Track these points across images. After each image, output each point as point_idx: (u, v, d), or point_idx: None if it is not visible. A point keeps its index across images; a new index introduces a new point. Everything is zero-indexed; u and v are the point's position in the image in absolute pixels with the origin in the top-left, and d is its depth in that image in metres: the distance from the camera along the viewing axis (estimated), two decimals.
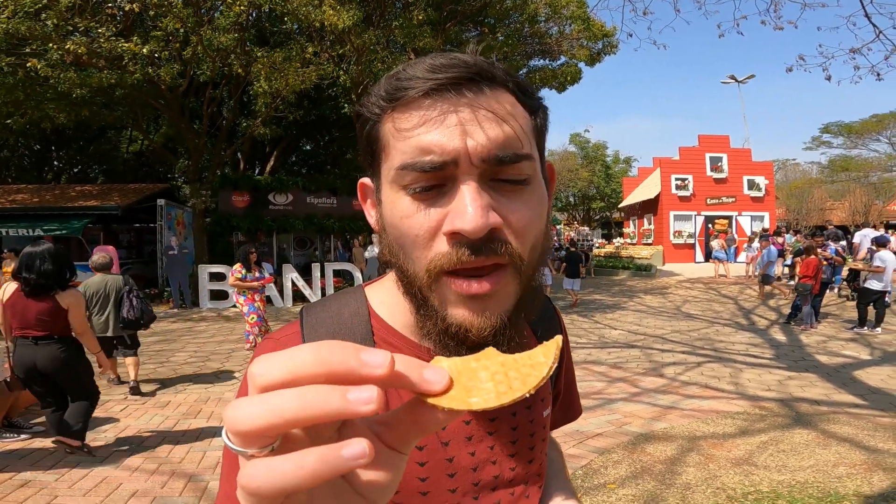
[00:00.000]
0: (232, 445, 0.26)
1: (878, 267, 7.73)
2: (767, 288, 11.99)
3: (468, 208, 0.45)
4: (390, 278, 0.60)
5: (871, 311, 7.82)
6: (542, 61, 14.29)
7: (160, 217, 12.70)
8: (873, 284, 7.73)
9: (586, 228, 33.08)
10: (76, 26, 8.94)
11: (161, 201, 12.82)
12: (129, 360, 5.12)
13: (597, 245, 23.40)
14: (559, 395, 0.77)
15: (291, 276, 11.75)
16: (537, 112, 0.53)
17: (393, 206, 0.50)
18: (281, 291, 11.84)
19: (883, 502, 2.84)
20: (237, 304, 7.57)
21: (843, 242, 13.46)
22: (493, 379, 0.30)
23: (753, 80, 25.80)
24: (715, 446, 3.69)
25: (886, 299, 7.87)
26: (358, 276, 12.10)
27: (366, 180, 0.58)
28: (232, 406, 0.26)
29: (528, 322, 0.67)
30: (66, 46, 8.43)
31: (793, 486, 3.04)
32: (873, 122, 26.01)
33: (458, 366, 0.30)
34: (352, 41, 9.91)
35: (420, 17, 10.14)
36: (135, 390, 5.11)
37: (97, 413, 4.24)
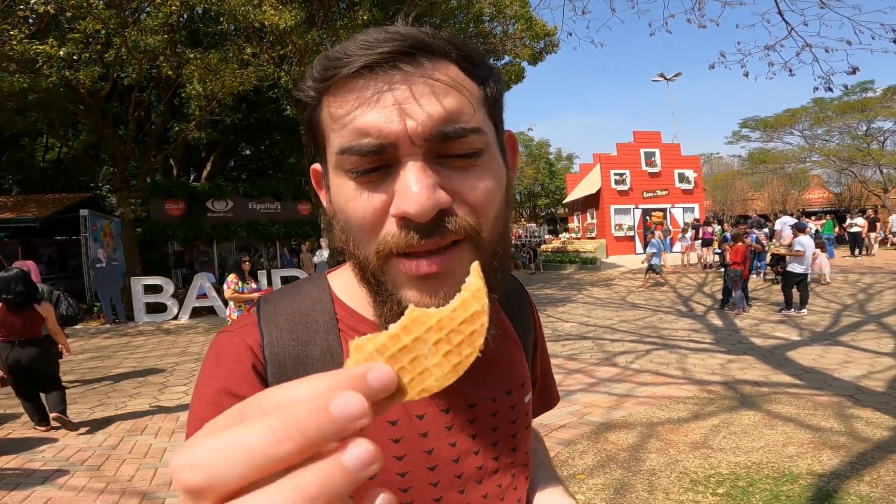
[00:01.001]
0: None
1: (799, 251, 8.40)
2: (654, 277, 12.85)
3: (412, 188, 0.43)
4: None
5: (796, 294, 8.48)
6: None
7: (84, 228, 11.82)
8: (795, 268, 8.38)
9: (533, 225, 33.93)
10: None
11: (84, 212, 11.94)
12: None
13: (544, 241, 24.02)
14: (536, 380, 0.75)
15: None
16: (487, 81, 0.50)
17: (339, 191, 0.48)
18: (225, 301, 11.31)
19: (836, 479, 3.03)
20: (230, 320, 7.00)
21: (766, 230, 14.54)
22: (437, 349, 0.27)
23: (680, 77, 27.31)
24: (672, 431, 3.86)
25: (808, 281, 8.56)
26: None
27: (316, 166, 0.56)
28: None
29: (498, 301, 0.64)
30: None
31: (749, 468, 3.22)
32: (786, 117, 28.15)
33: (392, 347, 0.26)
34: (294, 41, 9.60)
35: (365, 18, 10.00)
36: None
37: (32, 434, 4.43)
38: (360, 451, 0.20)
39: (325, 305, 0.57)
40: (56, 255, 15.46)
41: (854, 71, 4.75)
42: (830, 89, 4.91)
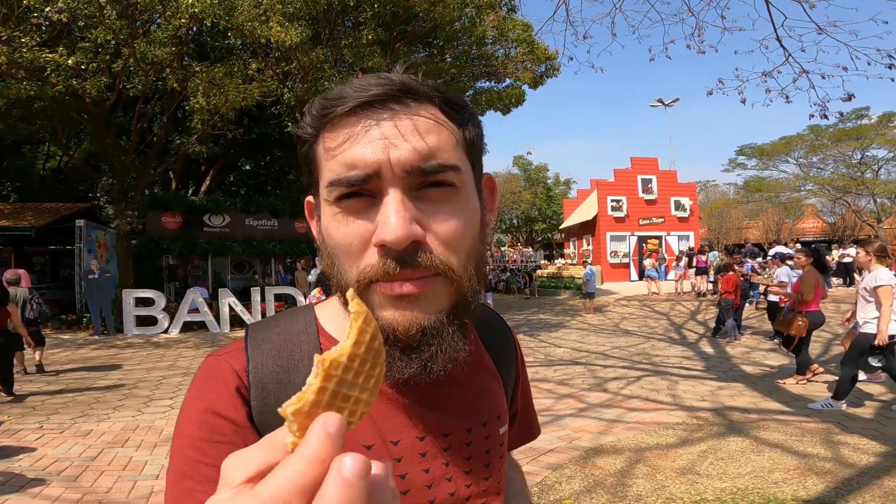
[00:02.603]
0: None
1: (783, 282, 8.52)
2: (590, 302, 13.89)
3: (391, 219, 0.47)
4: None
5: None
6: (488, 83, 14.73)
7: (79, 239, 11.79)
8: (774, 297, 8.45)
9: (529, 250, 34.01)
10: None
11: (80, 222, 11.94)
12: (38, 351, 7.03)
13: (540, 266, 24.07)
14: (516, 415, 0.78)
15: (228, 300, 11.22)
16: (466, 125, 0.54)
17: (328, 220, 0.52)
18: (217, 316, 11.26)
19: None
20: None
21: (760, 259, 14.64)
22: (357, 382, 0.30)
23: (678, 103, 27.69)
24: (660, 457, 3.83)
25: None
26: (301, 300, 11.71)
27: (310, 198, 0.60)
28: None
29: (480, 338, 0.68)
30: None
31: (735, 493, 3.20)
32: (782, 144, 28.43)
33: (323, 398, 0.29)
34: (298, 59, 9.77)
35: (370, 37, 10.18)
36: (39, 368, 7.12)
37: (9, 442, 4.39)
38: (352, 461, 0.25)
39: (310, 335, 0.59)
40: (48, 265, 15.37)
41: (850, 98, 4.82)
42: (826, 116, 4.98)
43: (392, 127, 0.49)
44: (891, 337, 4.57)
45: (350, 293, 0.33)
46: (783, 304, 5.98)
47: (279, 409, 0.28)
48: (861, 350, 4.71)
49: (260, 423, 0.53)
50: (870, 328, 4.62)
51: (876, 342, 4.55)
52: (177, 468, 0.51)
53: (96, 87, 9.40)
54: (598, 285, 19.36)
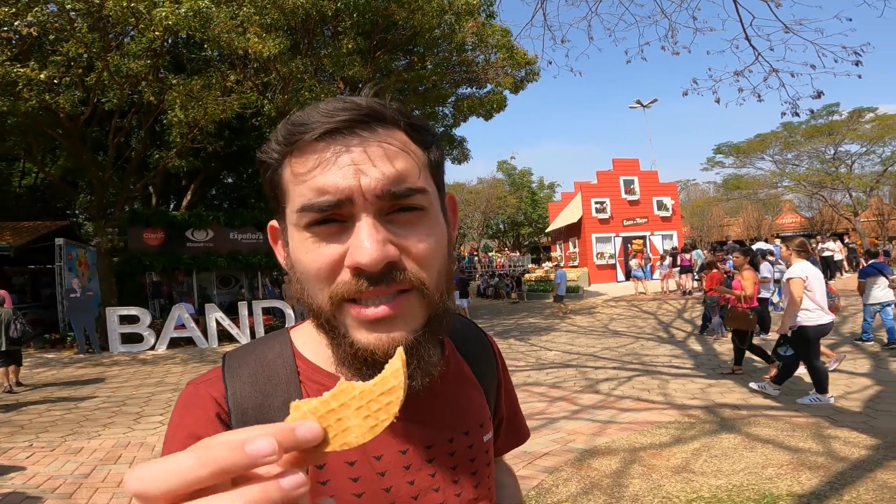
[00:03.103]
0: None
1: (766, 277, 8.69)
2: (564, 305, 14.25)
3: (364, 243, 0.48)
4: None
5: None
6: (469, 89, 14.80)
7: (59, 258, 11.53)
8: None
9: (517, 254, 34.12)
10: None
11: (60, 241, 11.67)
12: (13, 368, 7.19)
13: (528, 270, 24.14)
14: (502, 421, 0.78)
15: (215, 315, 11.05)
16: (430, 147, 0.56)
17: (297, 245, 0.53)
18: (205, 332, 11.08)
19: (815, 500, 3.04)
20: None
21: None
22: (358, 413, 0.34)
23: (657, 104, 28.05)
24: (654, 456, 3.83)
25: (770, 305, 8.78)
26: (290, 312, 11.58)
27: (274, 223, 0.61)
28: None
29: (457, 348, 0.70)
30: None
31: (731, 490, 3.20)
32: (757, 142, 29.02)
33: (322, 409, 0.34)
34: (278, 69, 9.70)
35: (349, 46, 10.16)
36: (18, 383, 7.31)
37: (1, 461, 4.36)
38: (294, 477, 0.29)
39: (286, 359, 0.61)
40: (29, 284, 15.04)
41: (819, 95, 4.92)
42: (797, 113, 5.07)
43: (362, 153, 0.50)
44: (804, 328, 4.74)
45: (399, 352, 0.37)
46: (731, 304, 6.30)
47: (291, 403, 0.34)
48: (805, 342, 4.84)
49: None
50: (802, 319, 4.80)
51: (778, 332, 4.82)
52: None
53: (70, 102, 9.23)
54: (586, 287, 19.49)
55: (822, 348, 5.43)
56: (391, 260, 0.49)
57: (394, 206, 0.51)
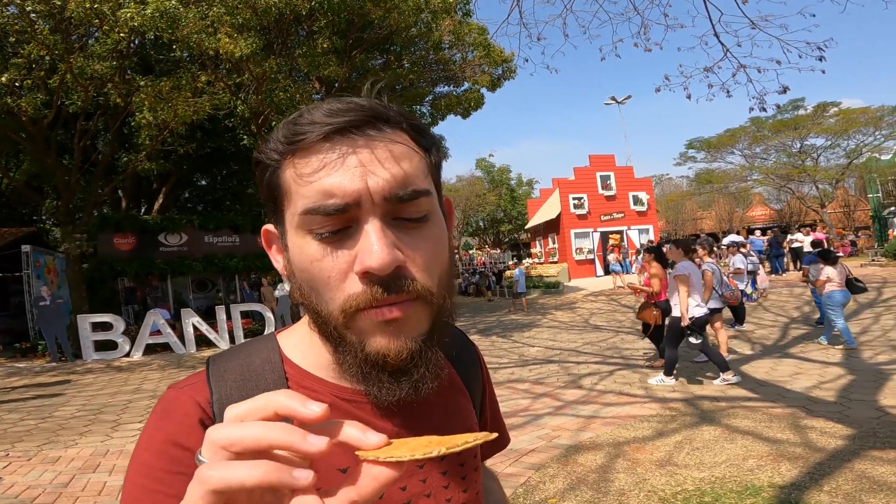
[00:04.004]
0: (201, 458, 0.36)
1: (740, 269, 8.95)
2: (521, 302, 14.80)
3: (374, 246, 0.47)
4: (303, 322, 0.61)
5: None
6: (446, 88, 14.76)
7: (26, 265, 11.15)
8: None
9: (497, 251, 34.27)
10: None
11: (26, 248, 11.29)
12: None
13: (508, 267, 24.27)
14: (486, 425, 0.79)
15: (192, 320, 10.82)
16: (431, 149, 0.56)
17: (301, 251, 0.51)
18: (181, 337, 10.84)
19: (796, 490, 3.10)
20: None
21: (715, 248, 15.21)
22: (419, 442, 0.37)
23: (631, 100, 28.43)
24: (638, 450, 3.88)
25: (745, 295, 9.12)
26: (269, 315, 11.42)
27: (269, 227, 0.59)
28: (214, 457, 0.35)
29: (446, 355, 0.70)
30: None
31: (714, 482, 3.26)
32: (727, 137, 29.72)
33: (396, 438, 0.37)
34: (251, 69, 9.50)
35: (325, 46, 10.01)
36: None
37: None
38: (305, 472, 0.34)
39: (274, 365, 0.59)
40: None
41: (785, 90, 5.05)
42: (764, 109, 5.19)
43: (369, 154, 0.49)
44: (692, 319, 5.42)
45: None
46: (644, 298, 6.74)
47: (359, 453, 0.37)
48: (674, 332, 5.66)
49: None
50: (676, 312, 5.56)
51: (681, 324, 5.45)
52: (133, 499, 0.50)
53: (32, 105, 8.91)
54: (566, 282, 19.70)
55: (720, 336, 6.46)
56: (399, 263, 0.49)
57: (399, 210, 0.50)
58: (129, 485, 0.51)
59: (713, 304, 6.17)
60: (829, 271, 6.87)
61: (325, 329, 0.53)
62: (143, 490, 0.50)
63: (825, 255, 7.14)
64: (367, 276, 0.48)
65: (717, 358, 5.59)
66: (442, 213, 0.57)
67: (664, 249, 6.48)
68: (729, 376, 5.52)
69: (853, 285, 6.86)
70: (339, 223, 0.49)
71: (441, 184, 0.59)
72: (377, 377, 0.51)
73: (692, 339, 5.49)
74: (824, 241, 17.70)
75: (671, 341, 5.71)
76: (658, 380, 5.74)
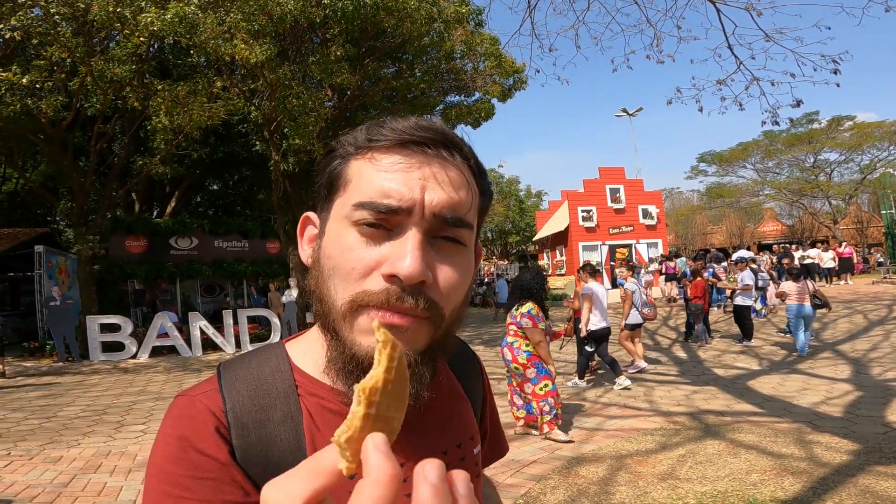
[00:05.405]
0: None
1: (748, 285, 8.85)
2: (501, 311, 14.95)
3: (408, 255, 0.48)
4: (312, 331, 0.62)
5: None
6: (457, 98, 14.81)
7: (38, 265, 11.31)
8: (739, 300, 8.76)
9: (505, 262, 34.19)
10: None
11: (39, 248, 11.47)
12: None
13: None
14: (486, 434, 0.80)
15: (199, 324, 10.89)
16: (485, 193, 0.59)
17: (337, 238, 0.53)
18: (188, 340, 10.92)
19: None
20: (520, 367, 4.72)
21: (725, 263, 15.07)
22: (391, 404, 0.34)
23: (642, 112, 28.31)
24: (640, 463, 3.85)
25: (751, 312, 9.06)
26: (276, 321, 11.47)
27: (311, 214, 0.61)
28: None
29: (448, 365, 0.72)
30: None
31: (715, 497, 3.23)
32: (739, 150, 29.51)
33: (367, 424, 0.33)
34: (265, 76, 9.65)
35: (338, 53, 10.13)
36: (2, 374, 8.34)
37: None
38: (433, 468, 0.33)
39: (284, 373, 0.60)
40: (8, 292, 14.78)
41: (798, 104, 5.01)
42: (777, 122, 5.16)
43: (437, 172, 0.52)
44: (591, 331, 6.25)
45: (376, 324, 0.35)
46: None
47: (332, 439, 0.32)
48: (596, 341, 6.42)
49: (242, 460, 0.53)
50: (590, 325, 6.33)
51: (582, 335, 6.32)
52: None
53: (52, 107, 9.08)
54: (572, 295, 19.56)
55: (637, 348, 7.29)
56: (425, 280, 0.50)
57: (441, 231, 0.52)
58: (150, 493, 0.51)
59: (632, 320, 7.17)
60: (786, 286, 7.66)
61: (326, 320, 0.54)
62: (168, 497, 0.49)
63: (791, 272, 7.77)
64: (391, 279, 0.49)
65: (612, 364, 6.32)
66: (475, 252, 0.60)
67: (575, 274, 7.37)
68: (622, 380, 6.21)
69: (812, 300, 7.53)
70: (385, 223, 0.51)
71: (480, 229, 0.61)
72: (358, 378, 0.50)
73: (587, 347, 6.37)
74: (853, 256, 17.50)
75: (600, 348, 6.45)
76: (573, 383, 6.60)
